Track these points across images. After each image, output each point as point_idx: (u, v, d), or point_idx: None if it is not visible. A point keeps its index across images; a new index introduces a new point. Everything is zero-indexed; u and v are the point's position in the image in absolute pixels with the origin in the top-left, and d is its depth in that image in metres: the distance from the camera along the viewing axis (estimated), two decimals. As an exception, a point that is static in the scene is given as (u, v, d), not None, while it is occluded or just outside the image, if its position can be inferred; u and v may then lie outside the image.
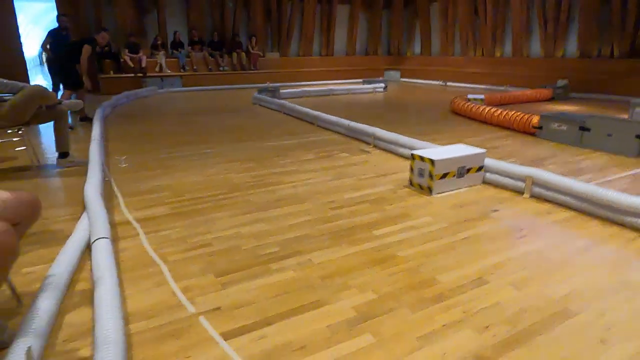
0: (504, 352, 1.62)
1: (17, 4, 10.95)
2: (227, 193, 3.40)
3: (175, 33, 12.18)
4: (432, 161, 3.30)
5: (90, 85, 6.90)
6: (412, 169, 3.53)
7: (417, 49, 15.99)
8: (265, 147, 5.00)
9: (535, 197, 3.29)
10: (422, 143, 4.32)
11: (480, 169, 3.58)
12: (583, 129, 4.99)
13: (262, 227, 2.75)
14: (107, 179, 3.67)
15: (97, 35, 6.81)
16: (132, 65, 11.19)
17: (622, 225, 2.76)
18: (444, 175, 3.38)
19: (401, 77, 15.27)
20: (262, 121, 6.90)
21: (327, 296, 1.98)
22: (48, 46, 7.99)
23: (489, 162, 3.60)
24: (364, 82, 12.00)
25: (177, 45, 12.21)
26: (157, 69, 11.65)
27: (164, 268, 2.23)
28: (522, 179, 3.34)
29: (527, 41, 12.14)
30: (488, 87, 11.75)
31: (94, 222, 2.48)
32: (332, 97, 10.45)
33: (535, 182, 3.27)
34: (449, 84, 13.28)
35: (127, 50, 11.23)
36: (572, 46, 11.20)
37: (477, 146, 3.80)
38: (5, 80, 3.82)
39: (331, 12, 14.68)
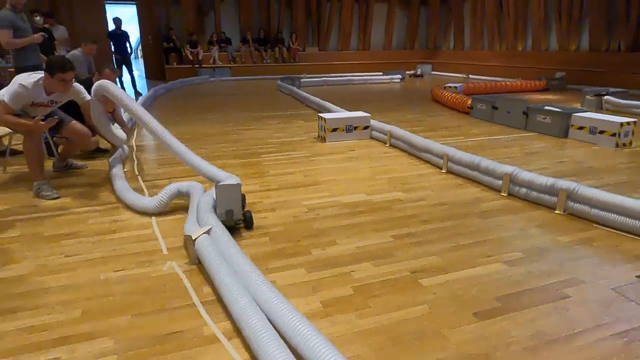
0: (269, 193, 3.32)
1: (108, 7, 13.91)
2: (198, 138, 5.34)
3: (223, 33, 14.56)
4: (325, 119, 4.95)
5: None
6: (319, 126, 5.19)
7: (452, 44, 16.89)
8: (250, 116, 6.87)
9: (392, 145, 4.79)
10: (342, 110, 5.89)
11: (366, 127, 5.14)
12: (494, 107, 6.22)
13: (202, 152, 4.62)
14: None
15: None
16: (191, 58, 13.71)
17: (419, 158, 4.24)
18: (334, 130, 5.00)
19: (433, 70, 16.33)
20: (269, 101, 8.79)
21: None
22: None
23: (374, 122, 5.15)
24: (383, 74, 13.42)
25: (227, 41, 14.56)
26: (211, 61, 14.08)
27: (134, 163, 4.19)
28: (386, 133, 4.87)
29: (545, 36, 12.72)
30: (502, 79, 12.53)
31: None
32: (348, 86, 12.06)
33: (392, 136, 4.78)
34: (471, 76, 14.18)
35: (188, 46, 13.76)
36: (585, 40, 11.68)
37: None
38: None
39: (368, 10, 16.15)
